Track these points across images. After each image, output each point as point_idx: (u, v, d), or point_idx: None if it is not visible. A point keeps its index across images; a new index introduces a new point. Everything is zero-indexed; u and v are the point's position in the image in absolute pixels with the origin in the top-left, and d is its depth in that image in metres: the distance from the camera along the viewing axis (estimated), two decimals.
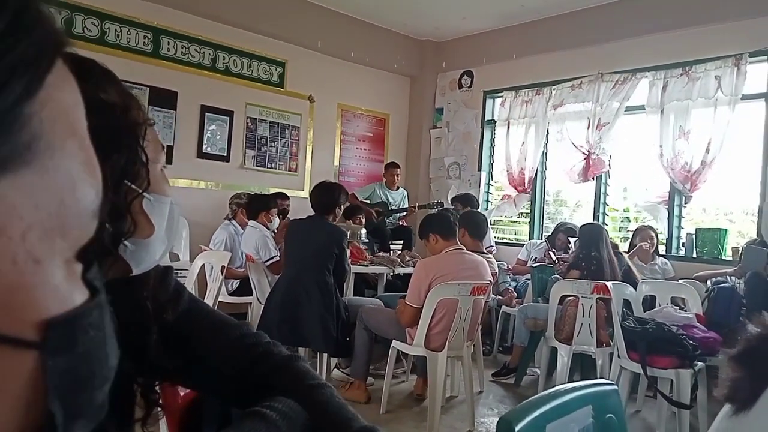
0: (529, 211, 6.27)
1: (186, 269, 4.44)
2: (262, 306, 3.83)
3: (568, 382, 3.70)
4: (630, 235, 5.06)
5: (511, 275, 5.54)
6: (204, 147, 5.41)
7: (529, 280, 4.97)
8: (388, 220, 6.08)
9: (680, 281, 4.20)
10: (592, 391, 0.99)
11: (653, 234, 4.80)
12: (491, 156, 6.62)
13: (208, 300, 4.05)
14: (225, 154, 5.55)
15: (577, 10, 5.59)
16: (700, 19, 4.89)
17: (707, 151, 4.81)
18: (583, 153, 5.54)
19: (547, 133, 5.93)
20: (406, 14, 6.12)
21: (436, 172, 6.92)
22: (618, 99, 5.38)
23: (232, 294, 4.63)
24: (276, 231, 4.57)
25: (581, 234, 4.30)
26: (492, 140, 6.61)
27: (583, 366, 3.92)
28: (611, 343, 3.64)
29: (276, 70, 5.87)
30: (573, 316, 3.74)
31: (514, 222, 6.55)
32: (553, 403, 0.90)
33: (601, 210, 5.69)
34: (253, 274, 4.33)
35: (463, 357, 3.44)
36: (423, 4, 5.84)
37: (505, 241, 6.40)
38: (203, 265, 4.20)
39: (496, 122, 6.47)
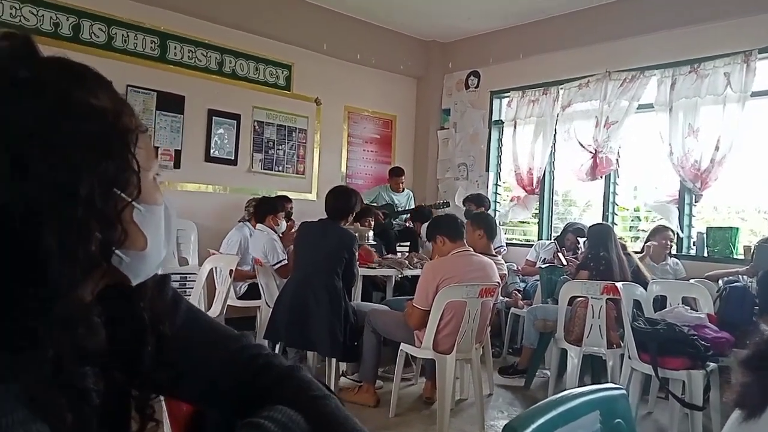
0: (537, 211, 6.24)
1: (195, 273, 4.46)
2: (271, 309, 3.83)
3: (578, 384, 3.69)
4: (640, 234, 5.02)
5: (520, 276, 5.52)
6: (212, 151, 5.43)
7: (538, 281, 4.95)
8: (394, 222, 6.08)
9: (691, 281, 4.16)
10: (599, 396, 0.97)
11: (671, 234, 4.75)
12: (499, 156, 6.60)
13: (217, 304, 4.06)
14: (232, 158, 5.56)
15: (583, 8, 5.56)
16: (708, 16, 4.84)
17: (717, 148, 4.76)
18: (591, 152, 5.51)
19: (555, 132, 5.89)
20: (412, 15, 6.11)
21: (444, 173, 6.90)
22: (626, 97, 5.34)
23: (240, 297, 4.64)
24: (282, 234, 4.58)
25: (590, 234, 4.27)
26: (500, 140, 6.58)
27: (594, 367, 3.88)
28: (622, 344, 3.60)
29: (282, 73, 5.88)
30: (583, 317, 3.71)
31: (523, 222, 6.52)
32: (560, 409, 0.89)
33: (611, 210, 5.65)
34: (262, 277, 4.33)
35: (472, 359, 3.42)
36: (428, 4, 5.83)
37: (514, 241, 6.37)
38: (212, 269, 4.22)
39: (503, 122, 6.45)
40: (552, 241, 5.49)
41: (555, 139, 5.92)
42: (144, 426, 0.72)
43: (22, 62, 0.57)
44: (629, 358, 3.31)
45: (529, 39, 6.04)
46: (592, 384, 3.77)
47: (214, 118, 5.43)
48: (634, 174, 5.67)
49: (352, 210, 3.84)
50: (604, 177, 5.55)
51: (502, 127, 6.48)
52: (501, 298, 4.73)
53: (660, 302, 3.81)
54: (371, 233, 4.92)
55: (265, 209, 4.66)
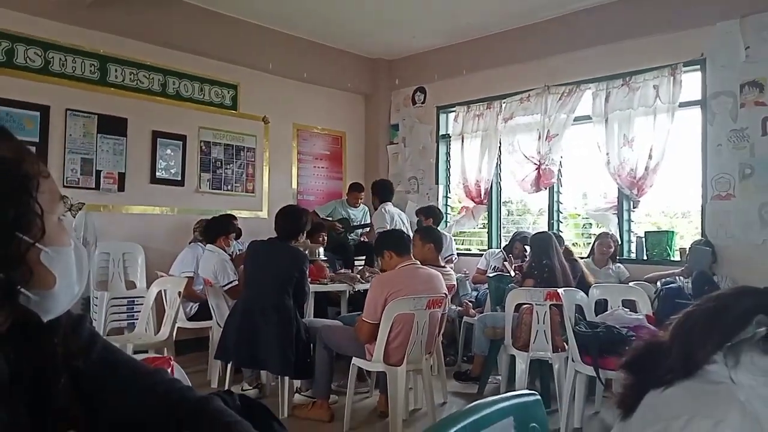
0: (486, 221, 6.38)
1: (142, 296, 4.38)
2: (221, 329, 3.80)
3: (528, 389, 3.79)
4: (592, 239, 5.24)
5: (471, 285, 5.63)
6: (157, 172, 5.35)
7: (488, 289, 5.06)
8: (350, 236, 6.11)
9: (631, 284, 4.35)
10: (513, 403, 1.03)
11: (610, 241, 4.97)
12: (447, 169, 6.73)
13: (165, 326, 4.00)
14: (179, 179, 5.50)
15: (521, 26, 5.77)
16: (637, 32, 5.11)
17: (650, 157, 5.01)
18: (535, 164, 5.69)
19: (500, 145, 6.07)
20: (357, 34, 6.20)
21: (395, 186, 6.97)
22: (565, 110, 5.56)
23: (190, 318, 4.58)
24: (234, 256, 4.55)
25: (532, 244, 4.42)
26: (447, 154, 6.72)
27: (542, 372, 4.00)
28: (566, 347, 3.73)
29: (228, 92, 5.86)
30: (529, 324, 3.82)
31: (474, 233, 6.65)
32: (473, 417, 0.94)
33: (556, 218, 5.84)
34: (212, 298, 4.29)
35: (423, 370, 3.47)
36: (373, 24, 5.93)
37: (468, 252, 6.48)
38: (160, 291, 4.16)
39: (450, 136, 6.59)
40: (501, 249, 5.64)
41: (500, 152, 6.09)
42: None
43: None
44: (573, 361, 3.42)
45: (472, 55, 6.21)
46: (541, 387, 3.90)
47: (159, 139, 5.35)
48: (578, 182, 5.88)
49: (302, 230, 3.87)
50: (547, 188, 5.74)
51: (450, 141, 6.62)
52: (453, 307, 4.82)
53: (603, 306, 3.96)
54: (321, 249, 4.94)
55: (216, 230, 4.62)
